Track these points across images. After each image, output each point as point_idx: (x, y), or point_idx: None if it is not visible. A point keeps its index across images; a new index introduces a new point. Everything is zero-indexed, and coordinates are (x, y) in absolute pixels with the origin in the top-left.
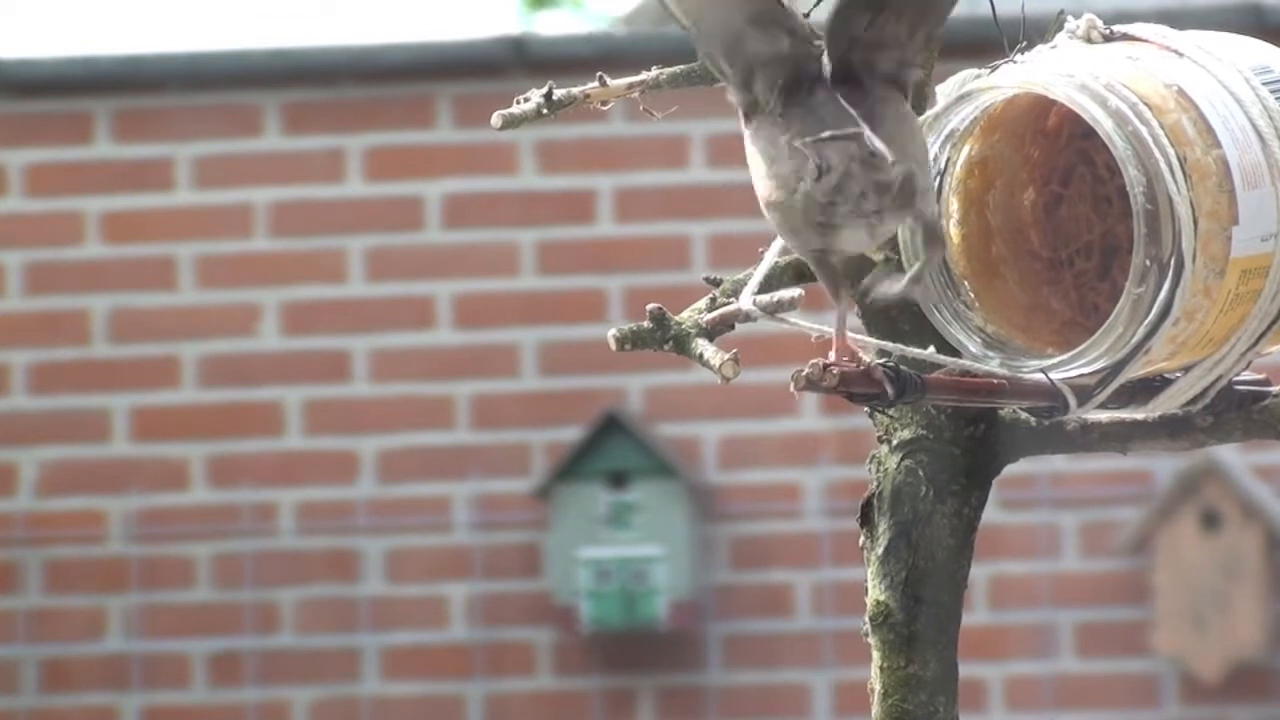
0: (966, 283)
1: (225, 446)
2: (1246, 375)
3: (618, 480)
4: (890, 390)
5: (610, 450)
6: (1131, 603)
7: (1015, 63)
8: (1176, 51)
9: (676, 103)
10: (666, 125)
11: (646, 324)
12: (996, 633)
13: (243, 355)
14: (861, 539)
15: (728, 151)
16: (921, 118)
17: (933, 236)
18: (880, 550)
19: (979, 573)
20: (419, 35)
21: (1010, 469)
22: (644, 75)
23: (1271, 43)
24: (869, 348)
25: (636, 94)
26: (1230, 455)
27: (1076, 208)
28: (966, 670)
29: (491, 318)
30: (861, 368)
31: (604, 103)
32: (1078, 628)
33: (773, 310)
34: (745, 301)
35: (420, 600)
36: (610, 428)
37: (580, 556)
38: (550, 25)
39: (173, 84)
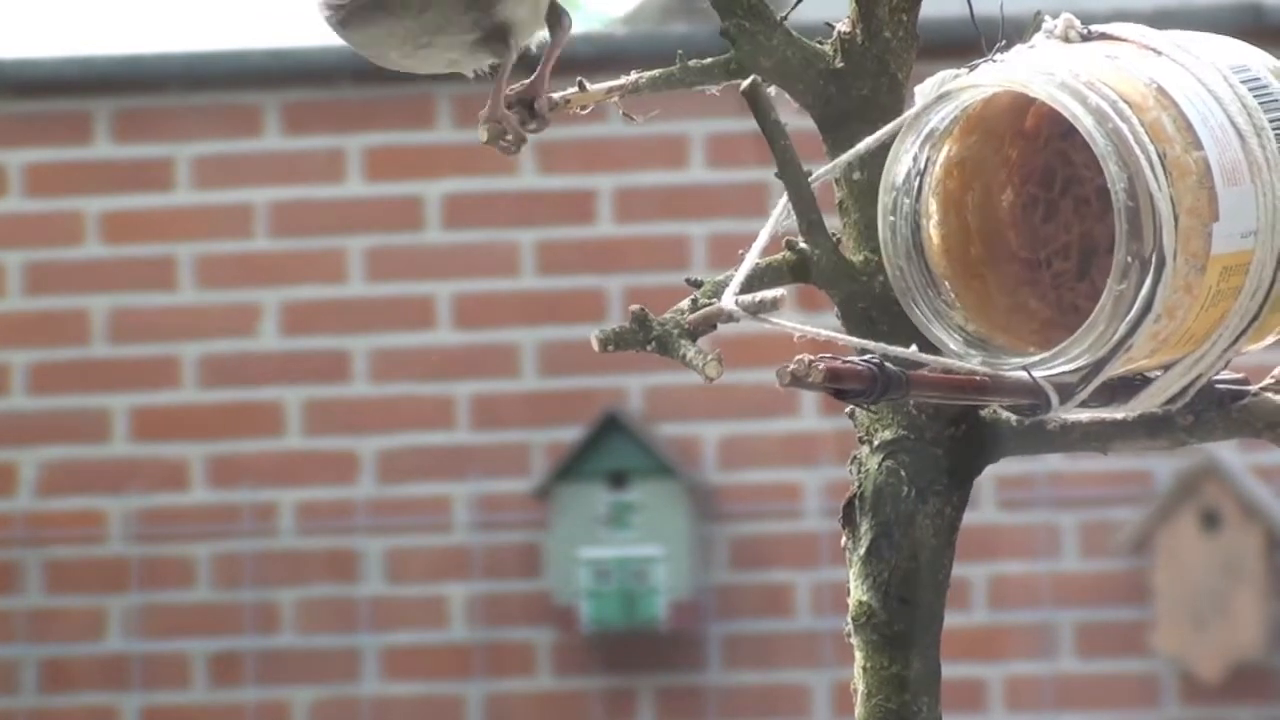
0: (947, 283)
1: (225, 447)
2: (1226, 375)
3: (617, 480)
4: (875, 385)
5: (610, 450)
6: (1131, 603)
7: (994, 62)
8: (1155, 50)
9: (671, 104)
10: (666, 125)
11: (629, 325)
12: (996, 633)
13: (242, 355)
14: (844, 540)
15: (727, 152)
16: (901, 118)
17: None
18: (862, 551)
19: (979, 572)
20: None
21: (1009, 469)
22: (623, 80)
23: (1271, 42)
24: (851, 346)
25: (616, 99)
26: (1230, 455)
27: (1054, 209)
28: (966, 670)
29: (491, 318)
30: (846, 361)
31: (584, 107)
32: (1077, 628)
33: (755, 310)
34: (727, 301)
35: (420, 600)
36: (610, 428)
37: (580, 556)
38: None
39: (172, 84)
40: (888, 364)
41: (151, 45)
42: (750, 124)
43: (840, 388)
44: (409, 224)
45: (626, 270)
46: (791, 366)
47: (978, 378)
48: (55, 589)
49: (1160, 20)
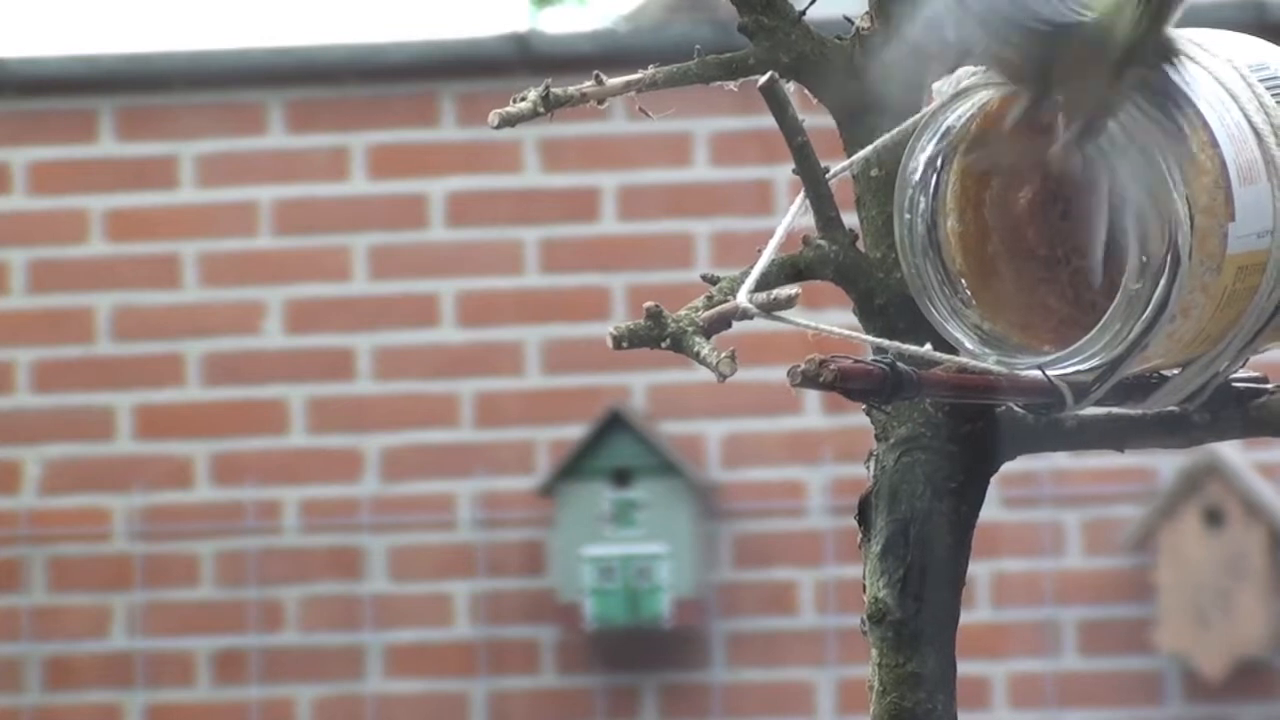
0: (964, 280)
1: (229, 444)
2: (1244, 373)
3: (621, 478)
4: (885, 385)
5: (614, 448)
6: (1134, 600)
7: None
8: None
9: (674, 102)
10: (669, 123)
11: (644, 322)
12: (999, 630)
13: (246, 353)
14: (859, 537)
15: (731, 150)
16: (918, 114)
17: None
18: (878, 548)
19: (982, 570)
20: (422, 33)
21: (1013, 466)
22: (640, 74)
23: (1272, 40)
24: (866, 345)
25: (634, 93)
26: (1233, 453)
27: (1072, 205)
28: (969, 668)
29: (495, 316)
30: (856, 361)
31: (601, 102)
32: (1080, 625)
33: (769, 308)
34: (742, 299)
35: (424, 598)
36: (614, 425)
37: (584, 554)
38: (553, 23)
39: (176, 82)
40: (899, 364)
41: (155, 43)
42: (754, 122)
43: (851, 387)
44: (413, 222)
45: (630, 268)
46: (802, 366)
47: (991, 377)
48: (59, 587)
49: None
